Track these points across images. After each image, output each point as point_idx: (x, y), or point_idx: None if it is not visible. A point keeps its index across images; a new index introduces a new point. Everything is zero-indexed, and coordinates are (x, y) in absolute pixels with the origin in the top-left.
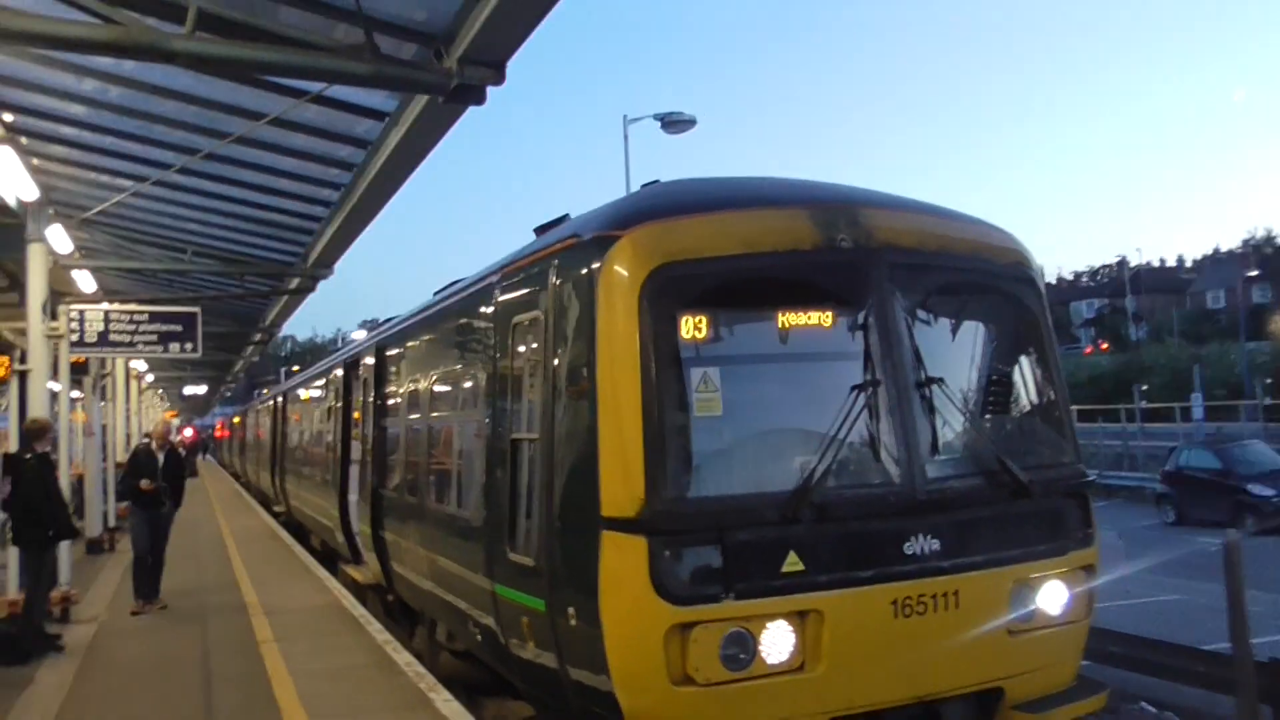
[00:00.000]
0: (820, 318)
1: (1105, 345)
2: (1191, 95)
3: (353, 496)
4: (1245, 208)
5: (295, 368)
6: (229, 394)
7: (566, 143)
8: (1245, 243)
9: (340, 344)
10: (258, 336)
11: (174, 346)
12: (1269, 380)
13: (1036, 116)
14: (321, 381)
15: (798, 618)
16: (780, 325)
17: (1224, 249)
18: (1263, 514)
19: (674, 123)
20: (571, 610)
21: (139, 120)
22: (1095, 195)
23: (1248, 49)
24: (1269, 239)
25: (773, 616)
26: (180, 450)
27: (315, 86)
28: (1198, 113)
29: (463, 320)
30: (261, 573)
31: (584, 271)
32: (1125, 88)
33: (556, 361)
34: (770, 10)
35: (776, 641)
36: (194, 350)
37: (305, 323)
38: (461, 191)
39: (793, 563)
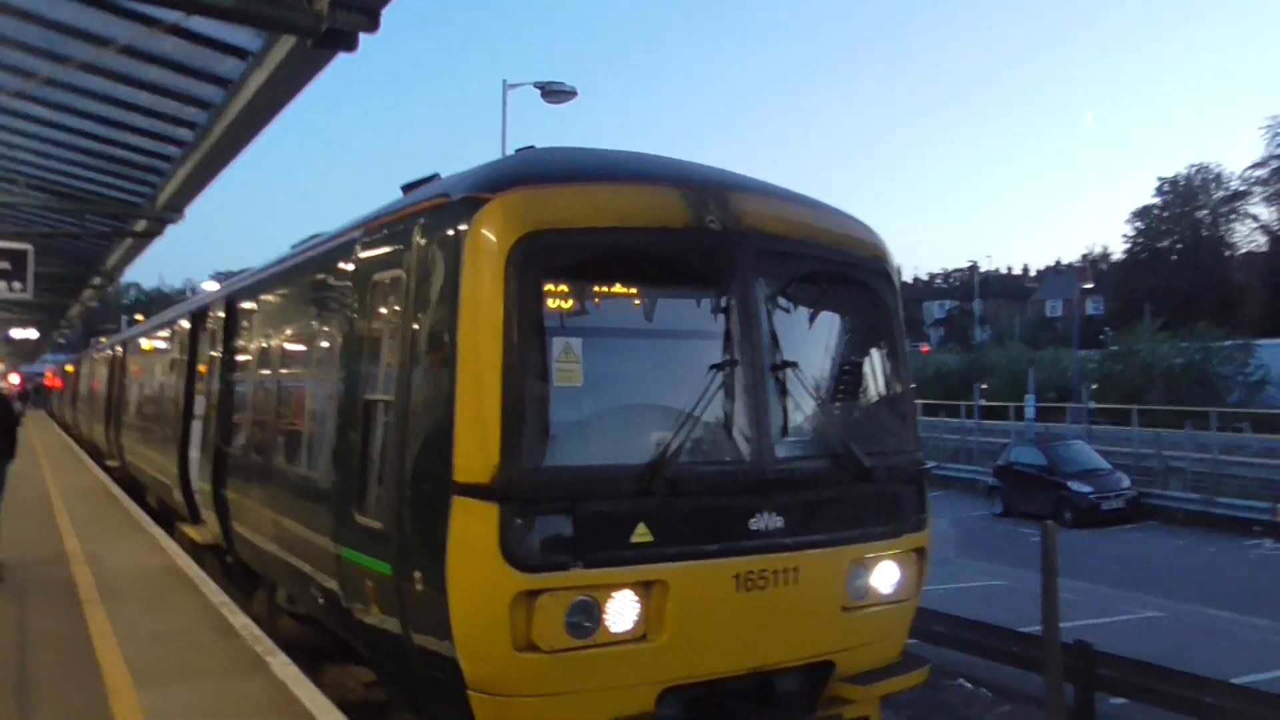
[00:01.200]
0: (684, 296)
1: (925, 349)
2: (1045, 114)
3: (194, 453)
4: (1086, 224)
5: (139, 316)
6: (62, 340)
7: (445, 103)
8: (1084, 257)
9: (190, 295)
10: (97, 280)
11: (0, 285)
12: (1095, 386)
13: (904, 125)
14: (166, 332)
15: (643, 588)
16: (644, 301)
17: (1065, 261)
18: (1079, 509)
19: (554, 92)
20: (418, 575)
21: None
22: (954, 203)
23: (1097, 72)
24: (1105, 255)
25: (619, 586)
26: (11, 399)
27: (172, 16)
28: (1051, 131)
29: (321, 276)
30: (90, 530)
31: (450, 233)
32: (986, 103)
33: (416, 323)
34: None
35: (621, 610)
36: (23, 290)
37: (152, 270)
38: (331, 144)
39: (642, 534)
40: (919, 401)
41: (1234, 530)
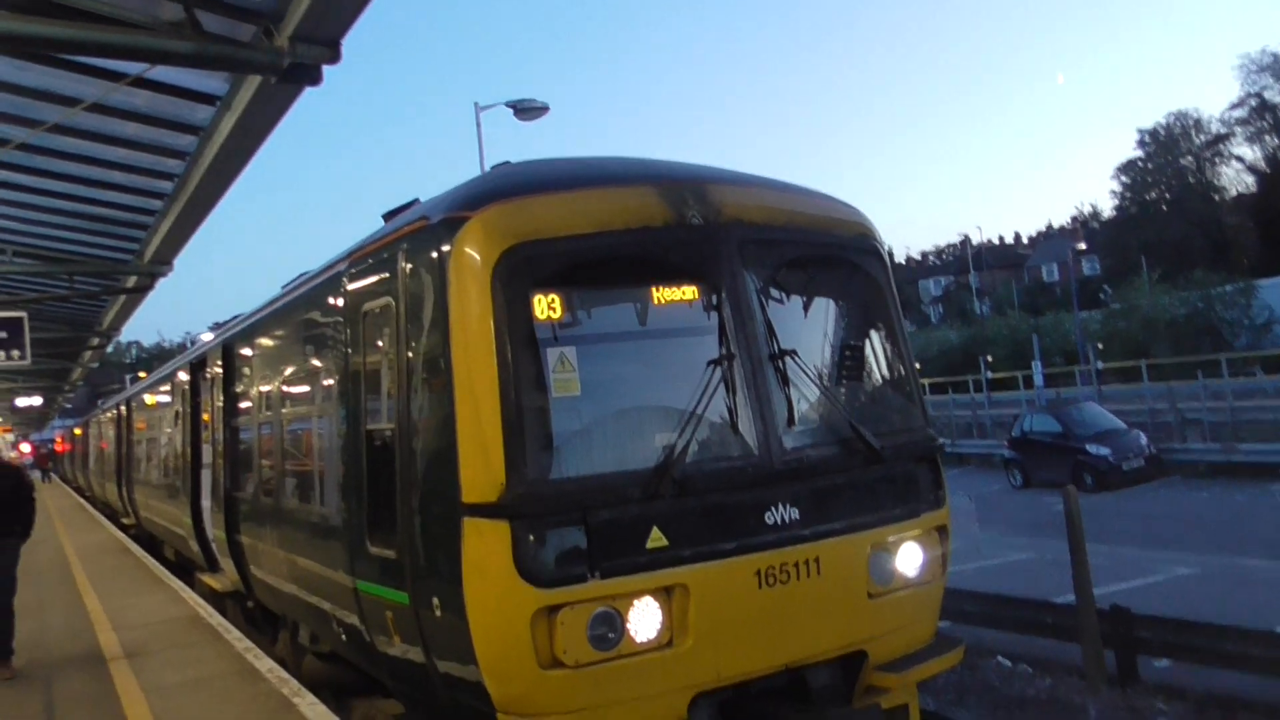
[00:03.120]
0: (673, 294)
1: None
2: (1017, 80)
3: (205, 502)
4: (1073, 185)
5: (141, 374)
6: (68, 405)
7: (421, 131)
8: (1074, 219)
9: (190, 347)
10: (95, 341)
11: None
12: (1100, 346)
13: (878, 106)
14: (167, 386)
15: (664, 593)
16: (634, 303)
17: (1056, 224)
18: (1100, 472)
19: (527, 110)
20: (436, 601)
21: None
22: (939, 179)
23: (1063, 33)
24: (1095, 214)
25: (639, 594)
26: (20, 469)
27: (135, 68)
28: (1023, 96)
29: (311, 312)
30: (109, 588)
31: (434, 255)
32: (957, 75)
33: (410, 348)
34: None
35: (644, 618)
36: (22, 358)
37: (150, 327)
38: (314, 181)
39: (656, 539)
40: (925, 381)
41: (1259, 476)
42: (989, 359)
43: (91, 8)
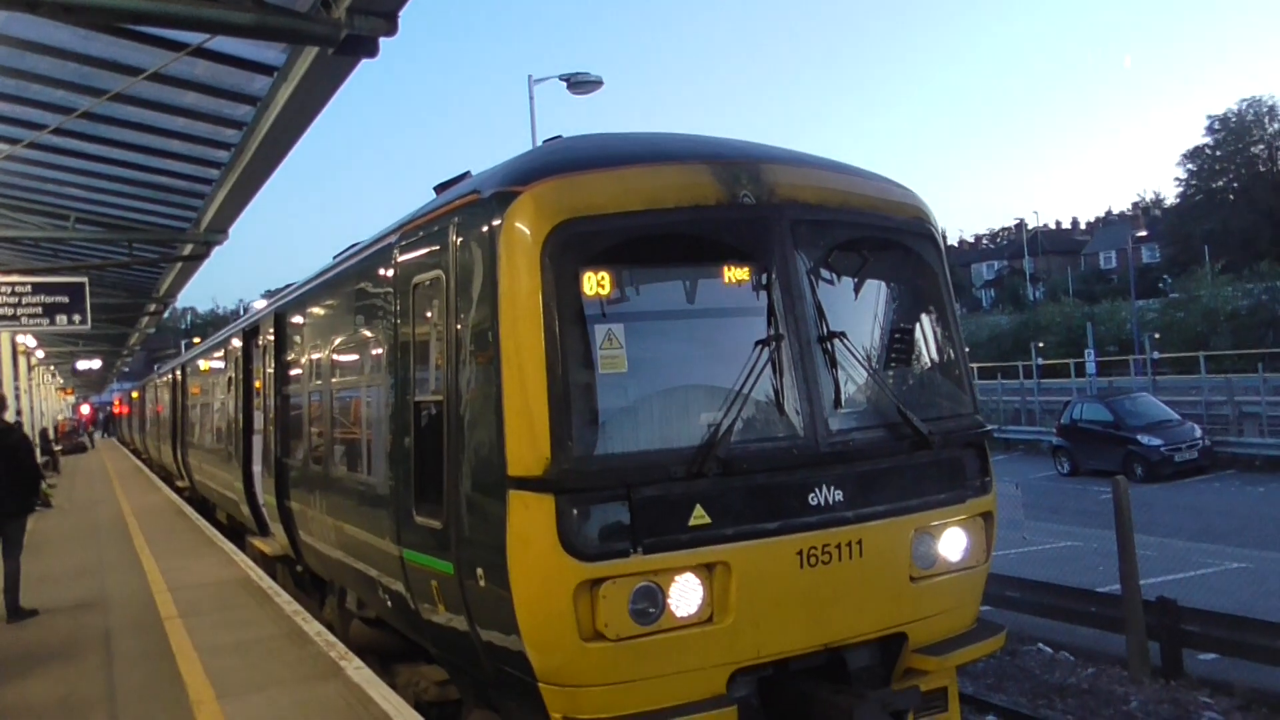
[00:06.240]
0: (723, 274)
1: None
2: (1082, 62)
3: (256, 468)
4: (1136, 171)
5: (196, 340)
6: (126, 369)
7: (474, 103)
8: (1135, 205)
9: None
10: (152, 307)
11: (61, 319)
12: (1157, 335)
13: (943, 85)
14: (220, 352)
15: (705, 570)
16: (684, 281)
17: (1115, 211)
18: (1150, 463)
19: (580, 83)
20: (480, 571)
21: (8, 78)
22: (997, 162)
23: (1132, 14)
24: (1158, 201)
25: (680, 570)
26: (26, 432)
27: (195, 39)
28: (1089, 79)
29: (362, 283)
30: (165, 549)
31: (484, 229)
32: (1020, 57)
33: (458, 321)
34: None
35: (685, 594)
36: (83, 322)
37: (205, 294)
38: (367, 152)
39: (699, 516)
40: (975, 366)
41: None
42: (1040, 345)
43: None
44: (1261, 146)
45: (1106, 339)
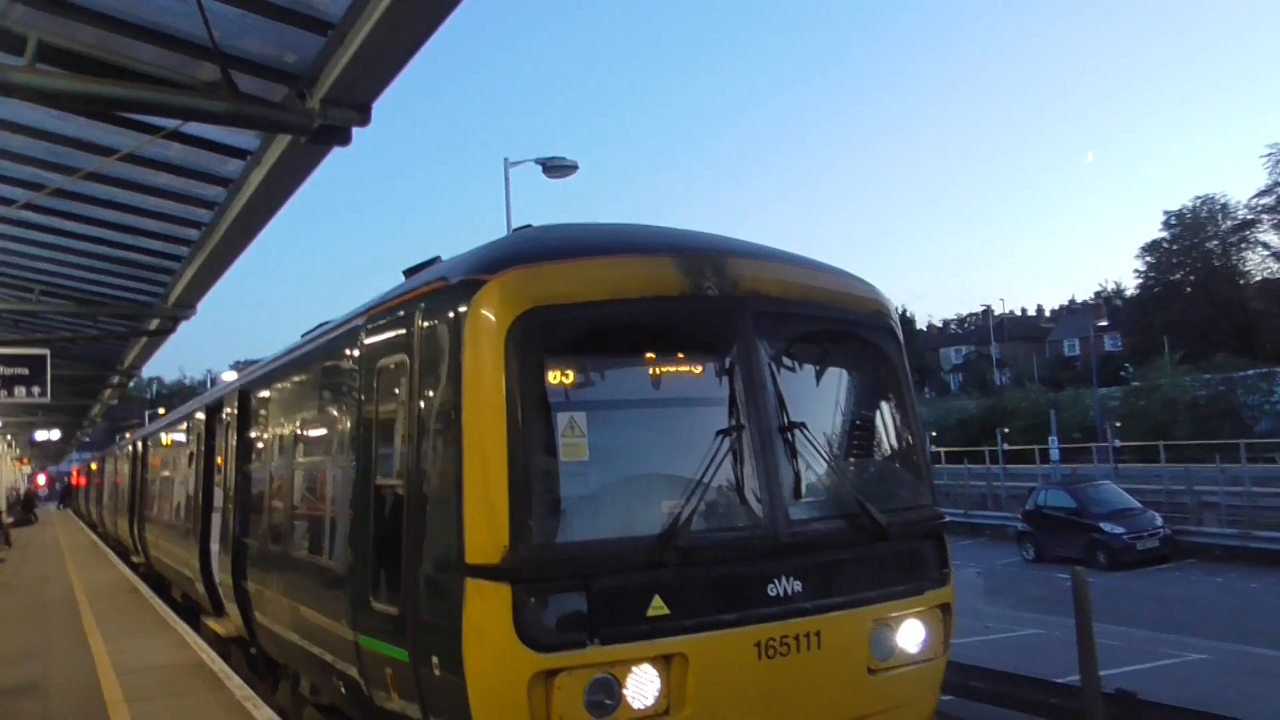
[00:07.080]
0: (686, 364)
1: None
2: (1047, 155)
3: (214, 545)
4: (1098, 261)
5: (161, 410)
6: (87, 439)
7: (450, 183)
8: (1097, 294)
9: (210, 386)
10: (116, 379)
11: (20, 390)
12: (1119, 424)
13: (909, 174)
14: (183, 426)
15: (663, 662)
16: (647, 371)
17: (1079, 299)
18: (1113, 550)
19: (555, 167)
20: (435, 660)
21: None
22: (964, 249)
23: (1094, 110)
24: (1119, 291)
25: (638, 661)
26: None
27: (170, 123)
28: (1052, 172)
29: (328, 363)
30: (115, 629)
31: (451, 315)
32: (988, 147)
33: (422, 406)
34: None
35: (642, 686)
36: (43, 394)
37: (172, 364)
38: (341, 232)
39: (658, 607)
40: (941, 450)
41: (1275, 565)
42: (1006, 431)
43: (132, 66)
44: (1215, 242)
45: (1071, 426)
